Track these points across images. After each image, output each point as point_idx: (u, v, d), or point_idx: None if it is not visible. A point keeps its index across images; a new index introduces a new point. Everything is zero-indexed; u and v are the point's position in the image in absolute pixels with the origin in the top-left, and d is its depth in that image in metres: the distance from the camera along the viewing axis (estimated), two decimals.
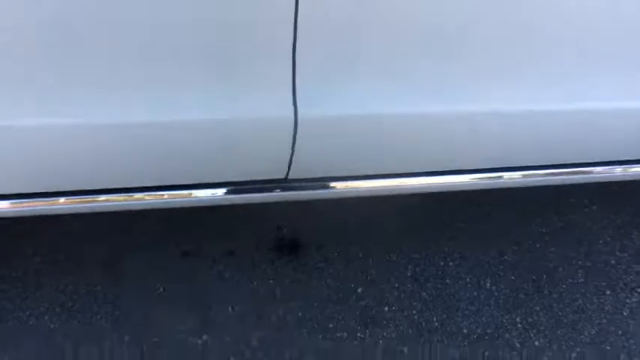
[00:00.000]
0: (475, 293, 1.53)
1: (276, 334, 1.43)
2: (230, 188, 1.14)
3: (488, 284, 1.56)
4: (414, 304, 1.50)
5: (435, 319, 1.47)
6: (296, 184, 1.16)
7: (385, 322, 1.46)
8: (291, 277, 1.56)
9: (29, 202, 1.10)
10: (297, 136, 0.99)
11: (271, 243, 1.65)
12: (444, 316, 1.48)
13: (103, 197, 1.15)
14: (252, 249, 1.63)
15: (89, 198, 1.15)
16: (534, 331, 1.46)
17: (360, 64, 0.94)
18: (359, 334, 1.43)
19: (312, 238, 1.66)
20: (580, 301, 1.53)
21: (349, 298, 1.51)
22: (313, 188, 1.18)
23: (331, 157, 1.09)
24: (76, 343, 1.39)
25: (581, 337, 1.46)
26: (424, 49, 0.96)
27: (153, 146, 1.00)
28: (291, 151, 1.03)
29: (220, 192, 1.19)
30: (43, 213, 1.18)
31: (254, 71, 0.93)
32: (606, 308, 1.53)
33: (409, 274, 1.57)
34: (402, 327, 1.45)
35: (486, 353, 1.40)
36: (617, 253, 1.67)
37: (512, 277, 1.58)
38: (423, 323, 1.46)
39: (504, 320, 1.48)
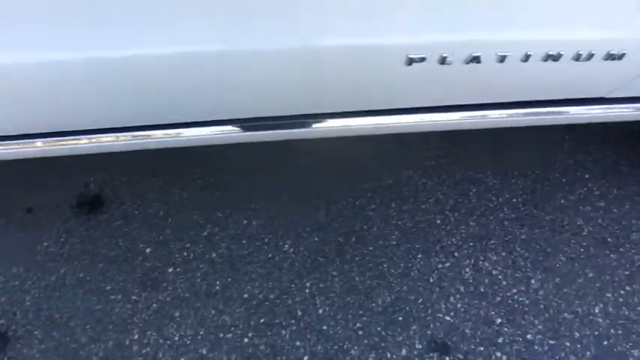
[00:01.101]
0: (270, 255, 1.43)
1: (50, 294, 1.38)
2: None
3: (287, 246, 1.44)
4: (200, 266, 1.41)
5: (217, 282, 1.38)
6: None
7: (165, 285, 1.38)
8: (83, 235, 1.48)
9: None
10: None
11: (74, 200, 1.57)
12: (229, 279, 1.39)
13: None
14: (52, 206, 1.55)
15: None
16: (322, 297, 1.35)
17: None
18: (134, 297, 1.36)
19: (117, 195, 1.57)
20: (384, 266, 1.41)
21: (135, 258, 1.43)
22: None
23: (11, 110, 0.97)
24: None
25: (373, 305, 1.34)
26: None
27: None
28: None
29: None
30: None
31: None
32: (412, 274, 1.40)
33: (205, 233, 1.47)
34: (180, 290, 1.37)
35: (261, 320, 1.31)
36: (447, 212, 1.52)
37: (316, 239, 1.45)
38: (204, 287, 1.37)
39: (293, 285, 1.37)
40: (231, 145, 1.65)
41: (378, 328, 1.31)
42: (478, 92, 1.07)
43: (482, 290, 1.38)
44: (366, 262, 1.41)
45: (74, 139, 1.13)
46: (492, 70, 0.97)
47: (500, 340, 1.30)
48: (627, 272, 1.44)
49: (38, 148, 1.14)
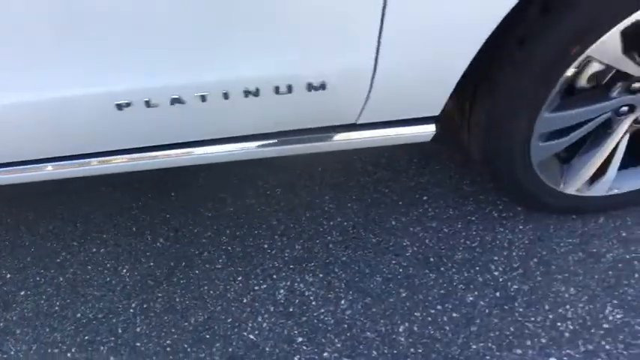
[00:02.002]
0: (108, 279, 1.57)
1: None
2: None
3: (124, 270, 1.58)
4: (47, 289, 1.58)
5: (58, 303, 1.54)
6: None
7: (14, 306, 1.56)
8: None
9: None
10: None
11: None
12: (68, 300, 1.54)
13: None
14: None
15: None
16: (143, 317, 1.47)
17: None
18: None
19: None
20: (205, 288, 1.51)
21: None
22: None
23: None
24: None
25: (186, 324, 1.45)
26: None
27: None
28: None
29: None
30: None
31: None
32: (228, 295, 1.49)
33: (59, 260, 1.64)
34: (25, 310, 1.54)
35: (86, 337, 1.45)
36: (276, 236, 1.60)
37: (152, 264, 1.58)
38: (46, 307, 1.54)
39: (120, 306, 1.51)
40: (95, 180, 1.84)
41: (185, 345, 1.41)
42: (199, 129, 1.19)
43: (291, 310, 1.45)
44: (190, 284, 1.53)
45: None
46: (198, 108, 1.09)
47: (296, 358, 1.36)
48: (443, 291, 1.46)
49: None
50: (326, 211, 1.66)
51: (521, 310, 1.42)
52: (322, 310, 1.44)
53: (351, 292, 1.47)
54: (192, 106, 1.08)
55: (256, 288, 1.50)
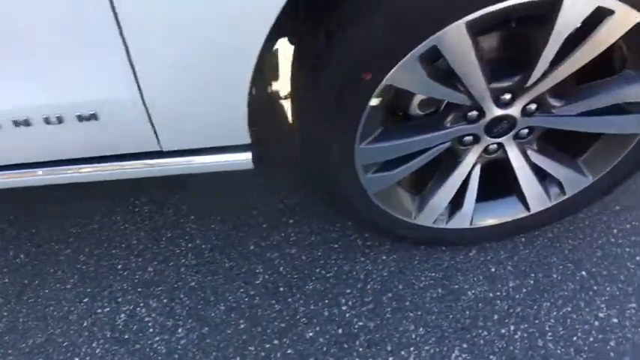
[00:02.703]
0: None
1: None
2: None
3: None
4: None
5: None
6: None
7: None
8: None
9: None
10: None
11: None
12: None
13: None
14: None
15: None
16: None
17: None
18: None
19: None
20: (50, 309, 1.48)
21: None
22: None
23: None
24: None
25: (23, 345, 1.42)
26: None
27: None
28: None
29: None
30: None
31: None
32: (70, 317, 1.45)
33: None
34: None
35: None
36: (132, 257, 1.55)
37: (7, 280, 1.56)
38: None
39: None
40: None
41: None
42: None
43: (127, 337, 1.40)
44: (37, 304, 1.50)
45: None
46: None
47: None
48: (283, 325, 1.38)
49: None
50: (187, 232, 1.60)
51: (360, 349, 1.33)
52: (157, 339, 1.39)
53: (190, 321, 1.41)
54: None
55: (99, 311, 1.46)
